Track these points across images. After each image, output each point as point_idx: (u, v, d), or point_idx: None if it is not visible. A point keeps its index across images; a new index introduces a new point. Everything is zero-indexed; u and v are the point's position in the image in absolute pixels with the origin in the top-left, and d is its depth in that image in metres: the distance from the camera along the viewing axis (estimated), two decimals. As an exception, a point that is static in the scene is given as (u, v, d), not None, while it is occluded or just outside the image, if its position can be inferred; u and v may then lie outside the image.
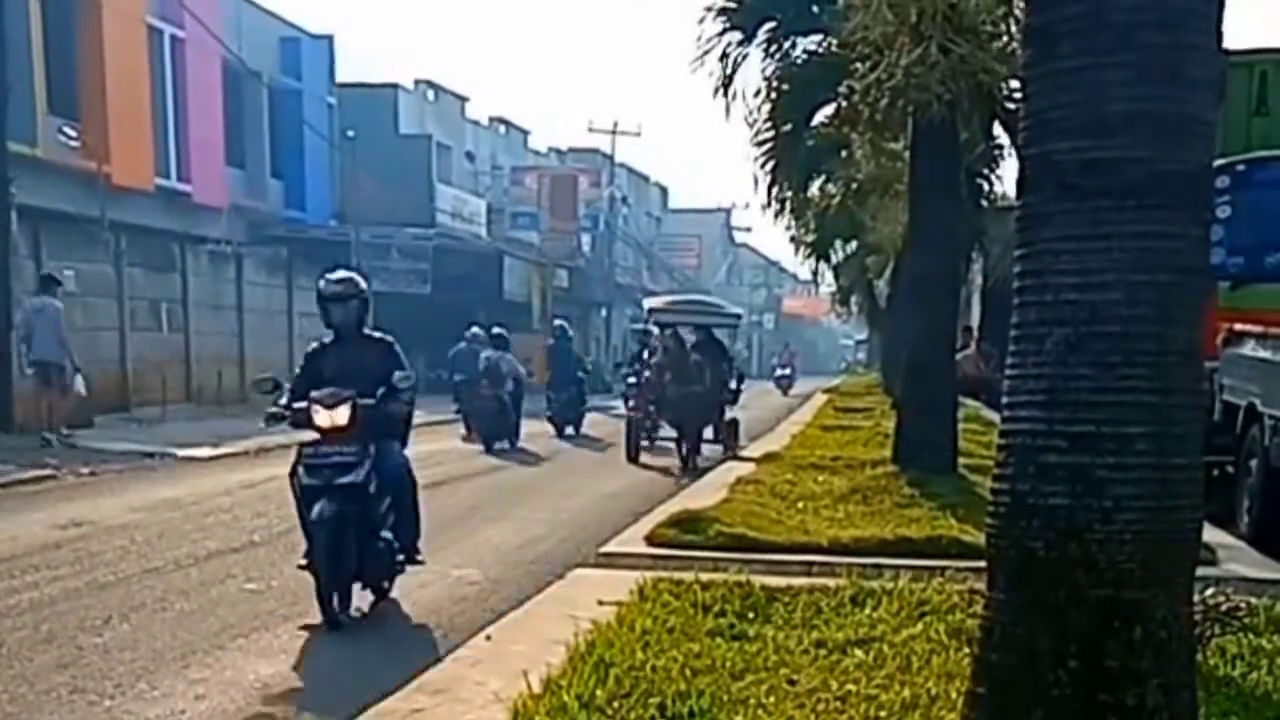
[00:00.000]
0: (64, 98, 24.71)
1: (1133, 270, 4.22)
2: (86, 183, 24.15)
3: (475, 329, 25.14)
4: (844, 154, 19.39)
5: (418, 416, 9.99)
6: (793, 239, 28.08)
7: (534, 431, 23.05)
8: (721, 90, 14.12)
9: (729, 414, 20.06)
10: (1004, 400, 4.57)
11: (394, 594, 9.04)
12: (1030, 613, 4.34)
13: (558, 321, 26.17)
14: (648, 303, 24.18)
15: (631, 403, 21.32)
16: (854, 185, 21.54)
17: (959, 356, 17.85)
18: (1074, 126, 4.30)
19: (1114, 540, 4.22)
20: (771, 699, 5.54)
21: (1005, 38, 10.89)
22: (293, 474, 8.44)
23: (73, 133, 24.65)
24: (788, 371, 52.31)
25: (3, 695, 6.73)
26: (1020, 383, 4.46)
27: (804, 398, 38.83)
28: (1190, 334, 4.35)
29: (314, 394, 8.46)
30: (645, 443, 20.00)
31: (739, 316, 23.96)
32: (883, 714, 5.38)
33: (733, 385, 20.38)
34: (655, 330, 21.47)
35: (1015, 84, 10.49)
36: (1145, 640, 4.21)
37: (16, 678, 7.03)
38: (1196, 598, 4.97)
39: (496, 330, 23.28)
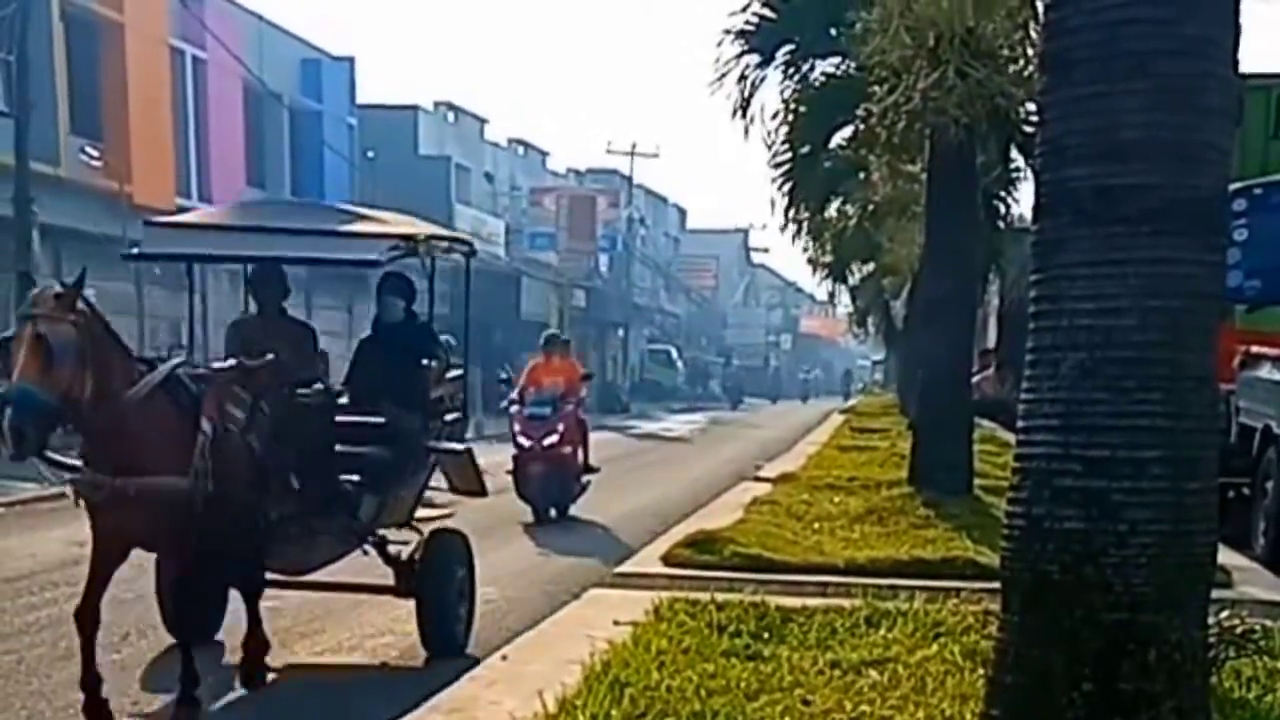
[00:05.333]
0: (86, 118, 24.88)
1: (1147, 296, 4.26)
2: (108, 202, 24.27)
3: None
4: (861, 176, 19.39)
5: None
6: (810, 260, 28.13)
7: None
8: (740, 112, 14.16)
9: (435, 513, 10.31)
10: (1019, 424, 4.60)
11: (407, 612, 9.15)
12: (1045, 635, 4.36)
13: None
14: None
15: None
16: (871, 207, 21.54)
17: (977, 378, 17.84)
18: (1090, 153, 4.34)
19: (1129, 563, 4.24)
20: (786, 719, 5.55)
21: (1022, 62, 10.92)
22: None
23: (95, 152, 24.81)
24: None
25: (22, 712, 6.77)
26: (1035, 406, 4.49)
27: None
28: (1204, 359, 4.38)
29: None
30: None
31: (413, 243, 8.28)
32: (898, 735, 5.39)
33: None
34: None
35: (1032, 108, 10.52)
36: (1160, 663, 4.23)
37: (35, 694, 7.07)
38: (1211, 620, 4.98)
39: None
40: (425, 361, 8.86)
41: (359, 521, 7.96)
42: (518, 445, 14.57)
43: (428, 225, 9.27)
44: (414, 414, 8.46)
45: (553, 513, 14.60)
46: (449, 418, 9.08)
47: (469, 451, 8.90)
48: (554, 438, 14.51)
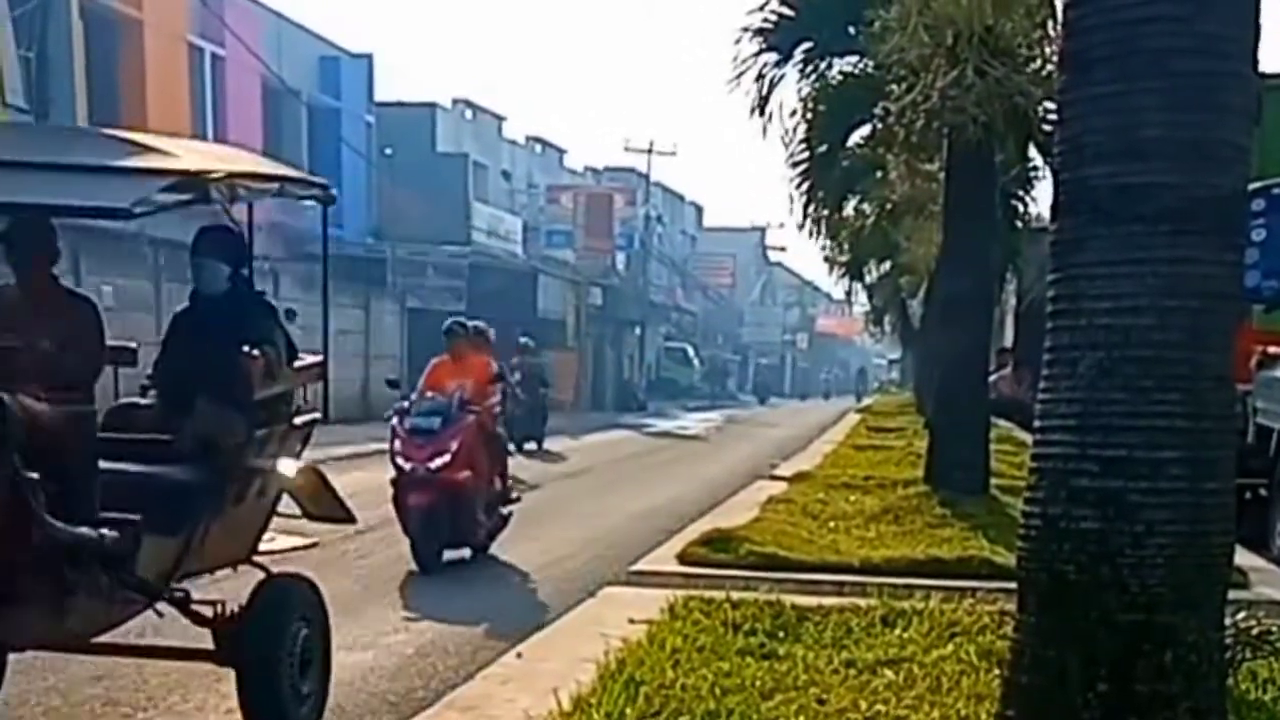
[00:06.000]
0: (105, 114, 24.92)
1: (1165, 295, 4.24)
2: (126, 198, 24.32)
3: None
4: (879, 175, 19.37)
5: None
6: (827, 259, 28.17)
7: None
8: (757, 110, 14.16)
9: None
10: (1036, 423, 4.59)
11: (422, 610, 9.14)
12: (1060, 635, 4.35)
13: None
14: None
15: None
16: (888, 206, 21.50)
17: (994, 377, 17.78)
18: (1108, 151, 4.32)
19: (1145, 564, 4.23)
20: (801, 718, 5.55)
21: (1041, 61, 10.89)
22: None
23: (113, 149, 24.91)
24: None
25: (37, 708, 6.77)
26: (1053, 406, 4.48)
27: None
28: (1222, 359, 4.37)
29: None
30: None
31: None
32: (912, 735, 5.38)
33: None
34: None
35: (1051, 106, 10.49)
36: (1176, 664, 4.22)
37: (50, 690, 7.07)
38: (1228, 621, 4.96)
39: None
40: (248, 348, 6.31)
41: (133, 576, 5.47)
42: (396, 468, 11.01)
43: (253, 160, 7.42)
44: (236, 418, 6.17)
45: (466, 553, 11.33)
46: (299, 420, 6.85)
47: (315, 469, 6.79)
48: (444, 458, 10.84)
